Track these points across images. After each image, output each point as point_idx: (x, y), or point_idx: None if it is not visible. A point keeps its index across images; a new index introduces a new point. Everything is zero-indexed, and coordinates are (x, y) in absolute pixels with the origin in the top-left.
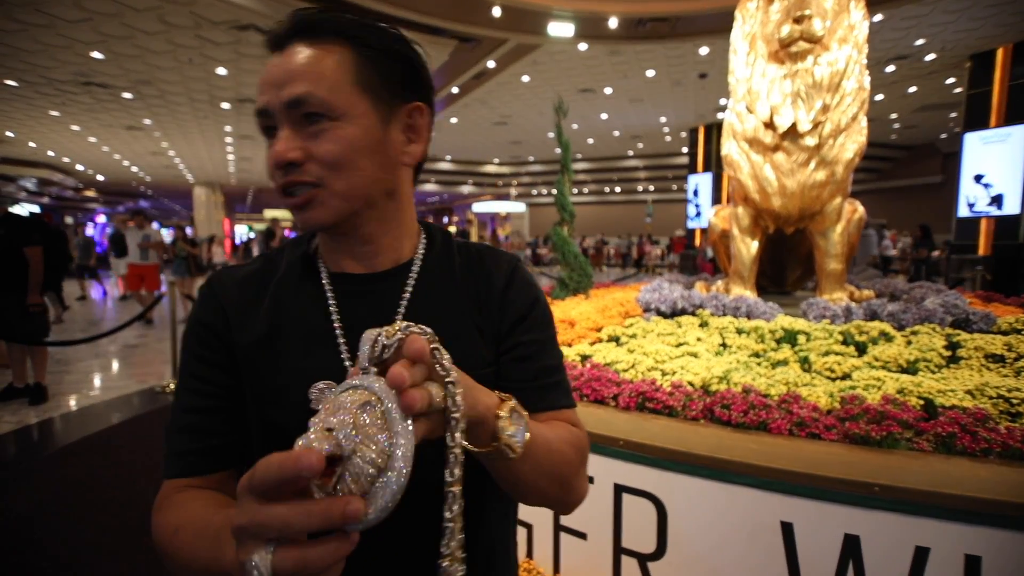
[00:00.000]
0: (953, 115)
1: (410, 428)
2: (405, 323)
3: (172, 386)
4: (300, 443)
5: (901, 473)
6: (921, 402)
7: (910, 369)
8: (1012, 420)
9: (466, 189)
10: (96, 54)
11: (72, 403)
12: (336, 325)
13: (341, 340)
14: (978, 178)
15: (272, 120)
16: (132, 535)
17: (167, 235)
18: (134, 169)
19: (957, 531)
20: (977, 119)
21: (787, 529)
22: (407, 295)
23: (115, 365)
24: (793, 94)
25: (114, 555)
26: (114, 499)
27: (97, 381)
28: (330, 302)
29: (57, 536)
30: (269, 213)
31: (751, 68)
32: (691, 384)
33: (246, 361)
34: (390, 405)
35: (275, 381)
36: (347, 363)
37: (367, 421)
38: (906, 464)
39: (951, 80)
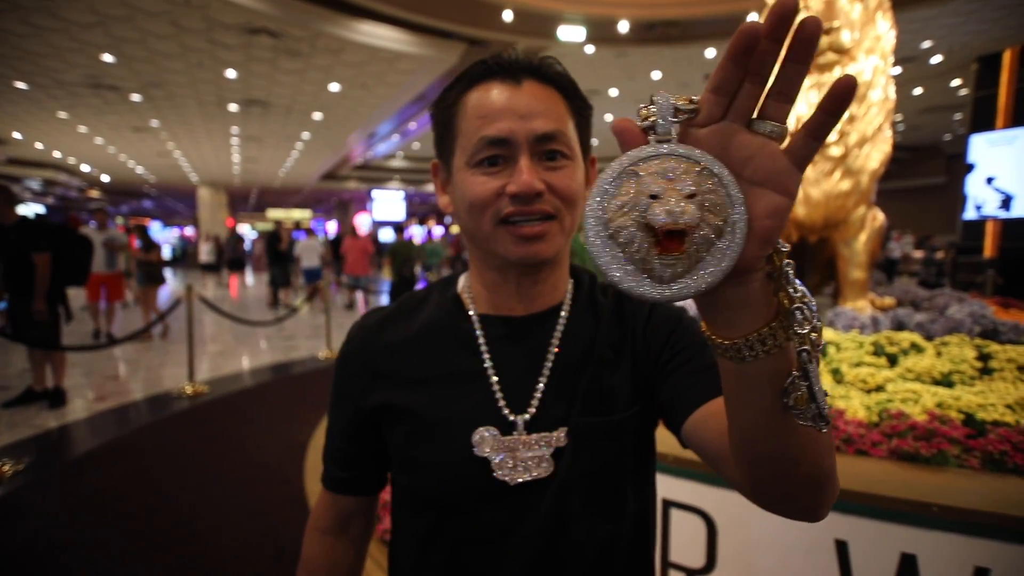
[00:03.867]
0: (958, 116)
1: (741, 196)
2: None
3: (189, 390)
4: (659, 211)
5: (956, 492)
6: (962, 416)
7: (944, 381)
8: None
9: None
10: (107, 57)
11: (91, 408)
12: (488, 368)
13: (495, 381)
14: (989, 180)
15: (505, 149)
16: (159, 542)
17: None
18: (139, 170)
19: (1017, 552)
20: (983, 121)
21: (841, 547)
22: (558, 334)
23: (131, 369)
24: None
25: (142, 563)
26: (140, 505)
27: (114, 385)
28: (482, 345)
29: (83, 543)
30: (272, 213)
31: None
32: None
33: (397, 405)
34: (723, 172)
35: (428, 422)
36: (501, 403)
37: (709, 188)
38: (959, 482)
39: (957, 82)
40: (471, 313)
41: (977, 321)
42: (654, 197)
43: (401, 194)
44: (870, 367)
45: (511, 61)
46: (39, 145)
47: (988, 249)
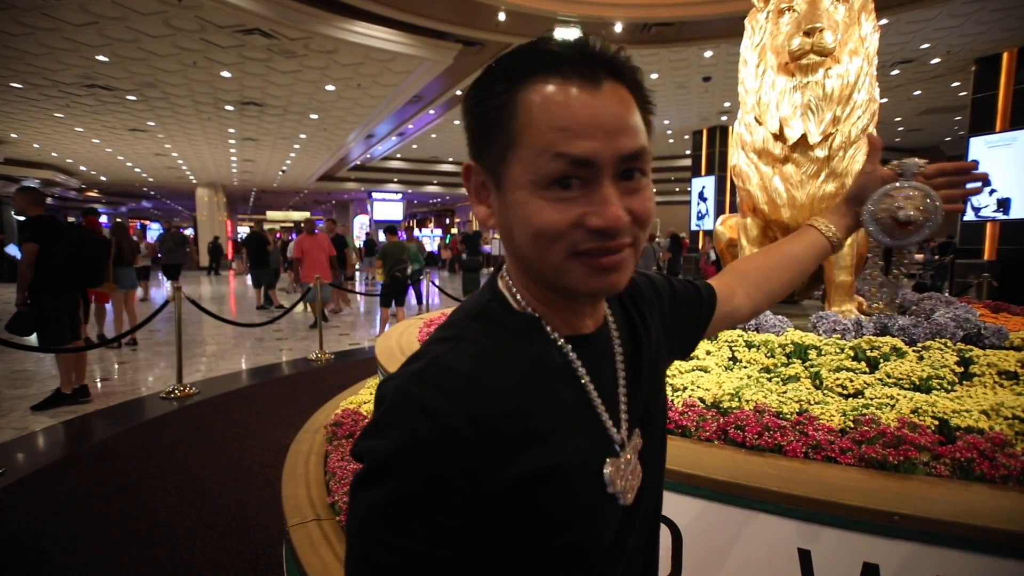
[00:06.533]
0: (958, 118)
1: (941, 208)
2: (915, 160)
3: (178, 391)
4: (903, 213)
5: (920, 501)
6: (936, 423)
7: (923, 387)
8: None
9: None
10: (101, 57)
11: (75, 410)
12: (593, 395)
13: (599, 405)
14: (991, 191)
15: (584, 170)
16: (139, 546)
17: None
18: (137, 170)
19: (979, 561)
20: (982, 123)
21: (804, 556)
22: (616, 339)
23: (121, 371)
24: (803, 106)
25: (122, 568)
26: (118, 509)
27: (103, 387)
28: (579, 370)
29: (64, 547)
30: (272, 215)
31: (760, 80)
32: (702, 401)
33: (538, 468)
34: (934, 194)
35: (565, 473)
36: (609, 427)
37: (927, 202)
38: (925, 491)
39: (956, 84)
40: (557, 339)
41: (960, 325)
42: (900, 208)
43: (400, 195)
44: (850, 372)
45: (590, 53)
46: (36, 145)
47: (988, 251)
